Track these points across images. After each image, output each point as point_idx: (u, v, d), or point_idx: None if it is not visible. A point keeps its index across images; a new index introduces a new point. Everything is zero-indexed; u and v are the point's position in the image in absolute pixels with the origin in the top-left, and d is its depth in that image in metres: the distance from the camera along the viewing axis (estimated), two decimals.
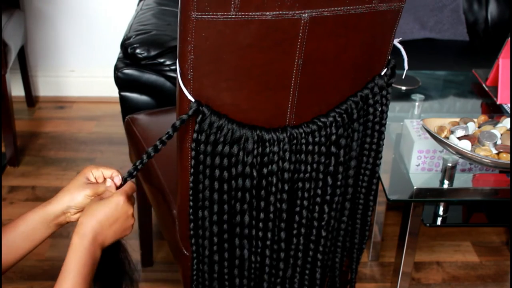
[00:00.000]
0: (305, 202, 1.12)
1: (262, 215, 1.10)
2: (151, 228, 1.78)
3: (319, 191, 1.13)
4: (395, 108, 1.75)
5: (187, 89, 0.98)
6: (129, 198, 1.03)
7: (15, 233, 1.01)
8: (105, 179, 1.05)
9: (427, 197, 1.40)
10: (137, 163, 1.03)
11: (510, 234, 1.97)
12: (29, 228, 1.02)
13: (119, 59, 1.92)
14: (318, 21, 0.95)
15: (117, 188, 1.04)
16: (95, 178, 1.05)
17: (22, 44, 2.49)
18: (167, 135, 1.00)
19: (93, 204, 0.99)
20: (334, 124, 1.08)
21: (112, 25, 2.66)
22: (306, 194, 1.11)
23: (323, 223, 1.16)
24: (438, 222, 1.52)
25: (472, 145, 1.33)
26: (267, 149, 1.04)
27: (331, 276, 1.31)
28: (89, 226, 0.96)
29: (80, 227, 0.96)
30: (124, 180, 1.04)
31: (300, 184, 1.10)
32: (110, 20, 2.67)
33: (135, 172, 1.03)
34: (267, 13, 0.91)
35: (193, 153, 1.02)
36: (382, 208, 1.87)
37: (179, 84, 0.99)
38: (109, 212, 0.98)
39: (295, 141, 1.06)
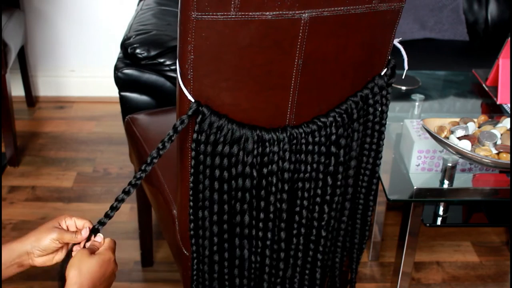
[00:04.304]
0: (305, 202, 1.12)
1: (262, 215, 1.10)
2: (151, 228, 1.78)
3: (319, 191, 1.13)
4: (395, 108, 1.75)
5: (187, 89, 0.98)
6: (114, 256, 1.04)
7: None
8: (78, 229, 1.05)
9: (427, 197, 1.40)
10: (137, 177, 1.04)
11: (510, 234, 1.97)
12: None
13: (119, 59, 1.92)
14: (318, 21, 0.95)
15: (87, 240, 1.05)
16: (67, 226, 1.05)
17: (22, 44, 2.49)
18: (168, 137, 1.00)
19: (85, 261, 0.99)
20: (334, 124, 1.08)
21: (112, 25, 2.66)
22: (306, 194, 1.11)
23: (323, 223, 1.16)
24: (438, 222, 1.51)
25: (472, 145, 1.33)
26: (267, 149, 1.04)
27: (331, 276, 1.31)
28: (85, 286, 0.96)
29: (75, 286, 0.96)
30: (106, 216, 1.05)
31: (300, 184, 1.10)
32: (110, 20, 2.67)
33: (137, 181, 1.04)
34: (267, 13, 0.91)
35: (193, 153, 1.02)
36: (382, 208, 1.87)
37: (179, 84, 0.99)
38: (101, 271, 0.99)
39: (295, 141, 1.06)
